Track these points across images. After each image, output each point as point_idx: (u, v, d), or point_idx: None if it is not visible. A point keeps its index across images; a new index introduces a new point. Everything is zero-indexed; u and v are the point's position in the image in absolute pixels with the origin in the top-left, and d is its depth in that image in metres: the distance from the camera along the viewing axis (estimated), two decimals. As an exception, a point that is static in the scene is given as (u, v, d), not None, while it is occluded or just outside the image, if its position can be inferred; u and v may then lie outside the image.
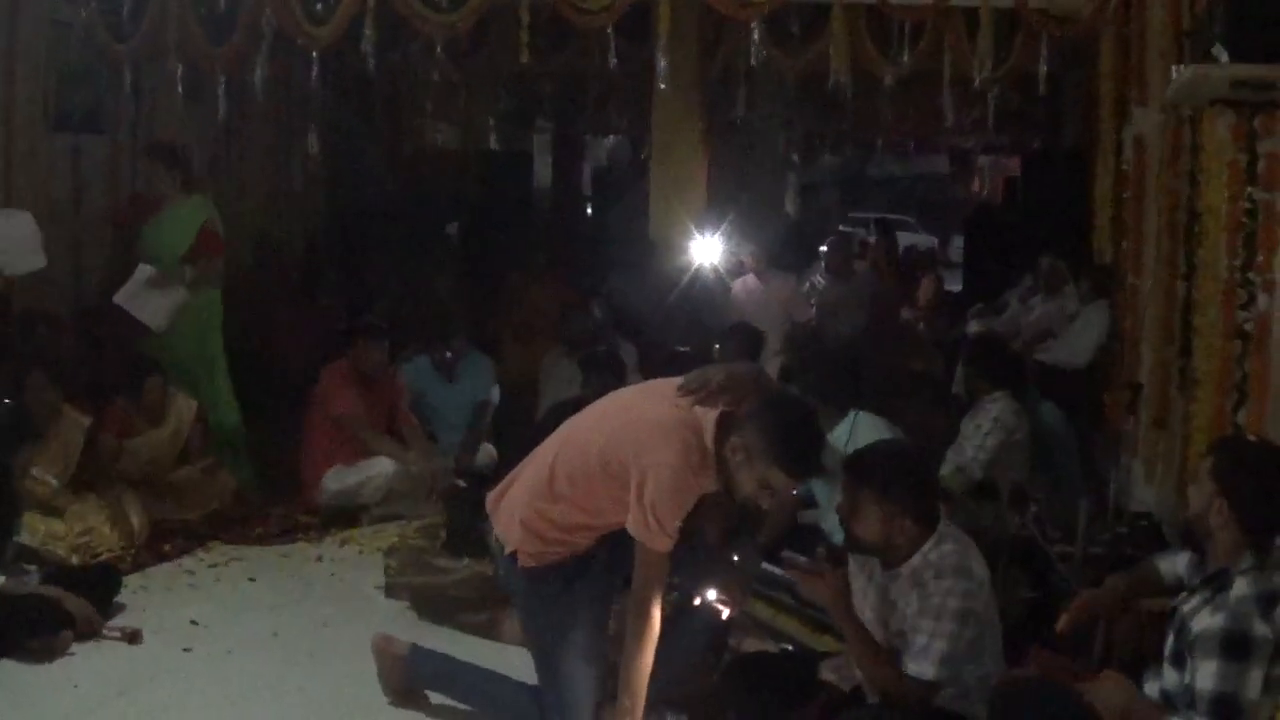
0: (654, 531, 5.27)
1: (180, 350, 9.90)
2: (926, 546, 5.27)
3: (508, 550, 5.73)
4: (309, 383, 10.01)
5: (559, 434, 5.79)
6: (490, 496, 5.96)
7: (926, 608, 5.18)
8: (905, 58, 10.60)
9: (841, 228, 22.30)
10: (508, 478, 5.94)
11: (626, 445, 5.37)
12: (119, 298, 9.69)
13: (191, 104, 10.84)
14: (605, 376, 8.52)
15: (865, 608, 5.51)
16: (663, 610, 5.46)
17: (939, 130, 20.69)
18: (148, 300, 9.70)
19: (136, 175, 10.92)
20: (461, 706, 6.21)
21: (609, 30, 9.98)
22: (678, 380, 5.59)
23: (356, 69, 9.98)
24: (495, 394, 10.68)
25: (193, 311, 9.93)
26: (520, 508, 5.68)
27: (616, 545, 5.51)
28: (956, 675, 5.18)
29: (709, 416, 5.34)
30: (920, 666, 5.16)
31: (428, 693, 6.32)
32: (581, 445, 5.59)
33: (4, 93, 9.83)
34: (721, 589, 5.89)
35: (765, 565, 7.53)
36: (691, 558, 5.78)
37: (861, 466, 5.42)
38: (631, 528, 5.33)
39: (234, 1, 9.94)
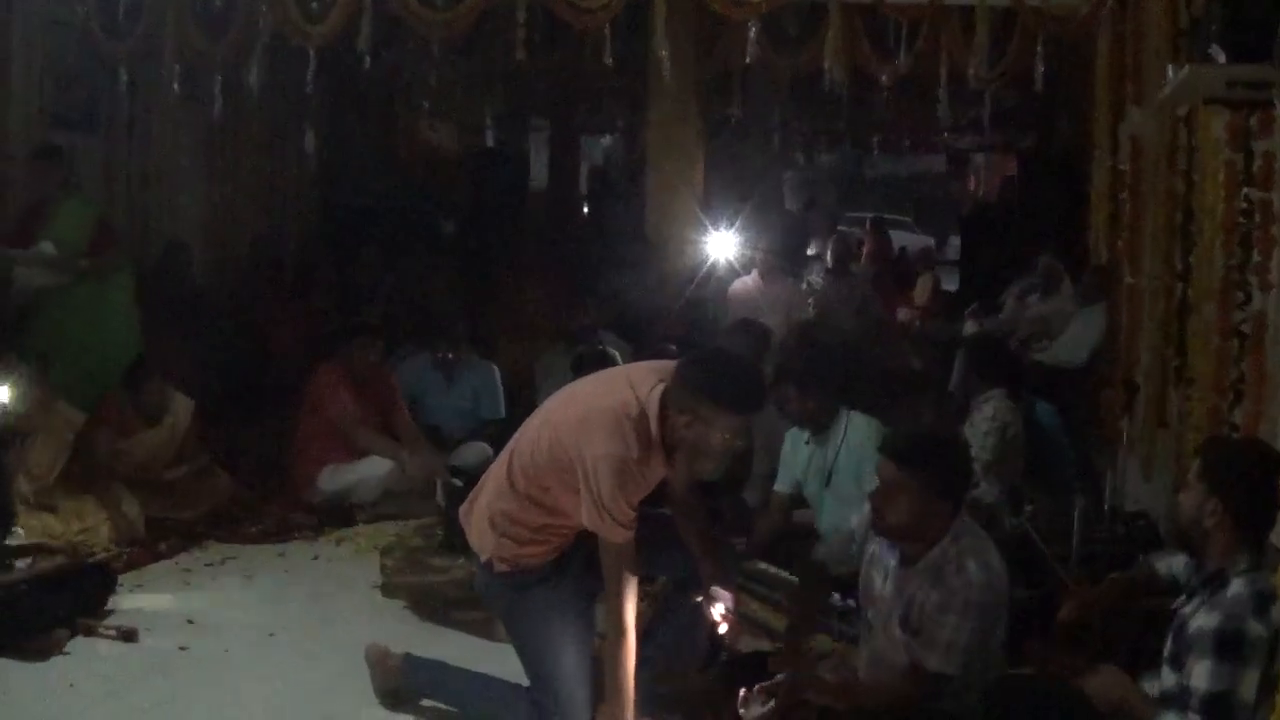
0: (607, 522, 5.26)
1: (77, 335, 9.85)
2: (945, 540, 5.30)
3: (482, 559, 5.72)
4: (303, 381, 10.00)
5: (518, 432, 5.78)
6: (462, 507, 5.96)
7: (949, 602, 5.19)
8: (901, 57, 10.61)
9: (840, 228, 22.29)
10: (477, 486, 5.93)
11: (570, 439, 5.36)
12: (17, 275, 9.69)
13: (187, 103, 10.82)
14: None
15: (882, 597, 5.53)
16: (651, 605, 5.46)
17: (935, 130, 20.71)
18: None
19: (130, 174, 10.91)
20: (456, 711, 6.19)
21: (605, 29, 9.97)
22: (626, 368, 5.61)
23: (352, 67, 9.96)
24: (503, 409, 10.65)
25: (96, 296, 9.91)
26: (488, 511, 5.68)
27: (593, 543, 5.49)
28: (971, 669, 5.20)
29: (652, 398, 5.33)
30: (941, 661, 5.18)
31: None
32: (532, 441, 5.58)
33: (0, 92, 9.84)
34: (715, 597, 5.87)
35: (761, 564, 7.56)
36: (672, 553, 5.79)
37: (902, 447, 5.44)
38: (586, 521, 5.33)
39: (230, 0, 9.94)
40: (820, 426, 7.93)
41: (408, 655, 6.34)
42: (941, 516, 5.33)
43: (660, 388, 5.32)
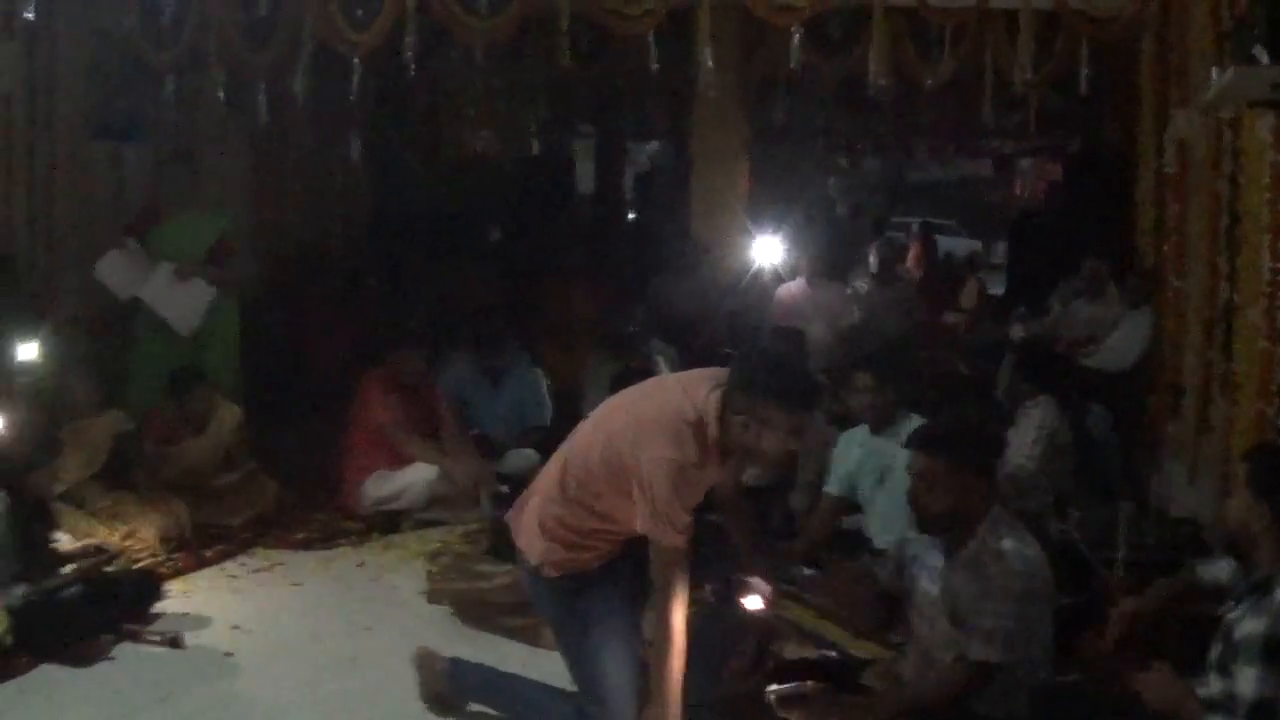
0: (662, 527, 5.23)
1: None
2: (983, 530, 5.36)
3: (531, 564, 5.74)
4: (350, 388, 10.02)
5: (569, 438, 5.79)
6: (510, 512, 5.97)
7: (989, 590, 5.27)
8: (945, 61, 10.58)
9: (887, 233, 22.24)
10: (526, 491, 5.94)
11: (625, 444, 5.36)
12: (144, 293, 9.80)
13: (233, 111, 10.88)
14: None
15: (926, 597, 5.57)
16: (698, 611, 5.45)
17: (980, 134, 20.63)
18: (172, 297, 9.82)
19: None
20: (503, 716, 6.20)
21: (649, 36, 9.98)
22: (681, 375, 5.63)
23: (397, 75, 10.00)
24: (549, 415, 10.68)
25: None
26: (537, 516, 5.69)
27: (642, 548, 5.49)
28: (1016, 658, 5.21)
29: (709, 402, 5.33)
30: (984, 650, 5.23)
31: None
32: (585, 447, 5.58)
33: (45, 101, 9.91)
34: (753, 589, 5.88)
35: (807, 570, 7.55)
36: (720, 560, 5.79)
37: (924, 436, 5.55)
38: (640, 526, 5.31)
39: (275, 8, 9.98)
40: (883, 423, 7.89)
41: (454, 659, 6.35)
42: (977, 495, 5.46)
43: (717, 392, 5.32)
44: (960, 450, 5.52)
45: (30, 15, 8.93)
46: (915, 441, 5.67)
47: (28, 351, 8.73)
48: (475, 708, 6.27)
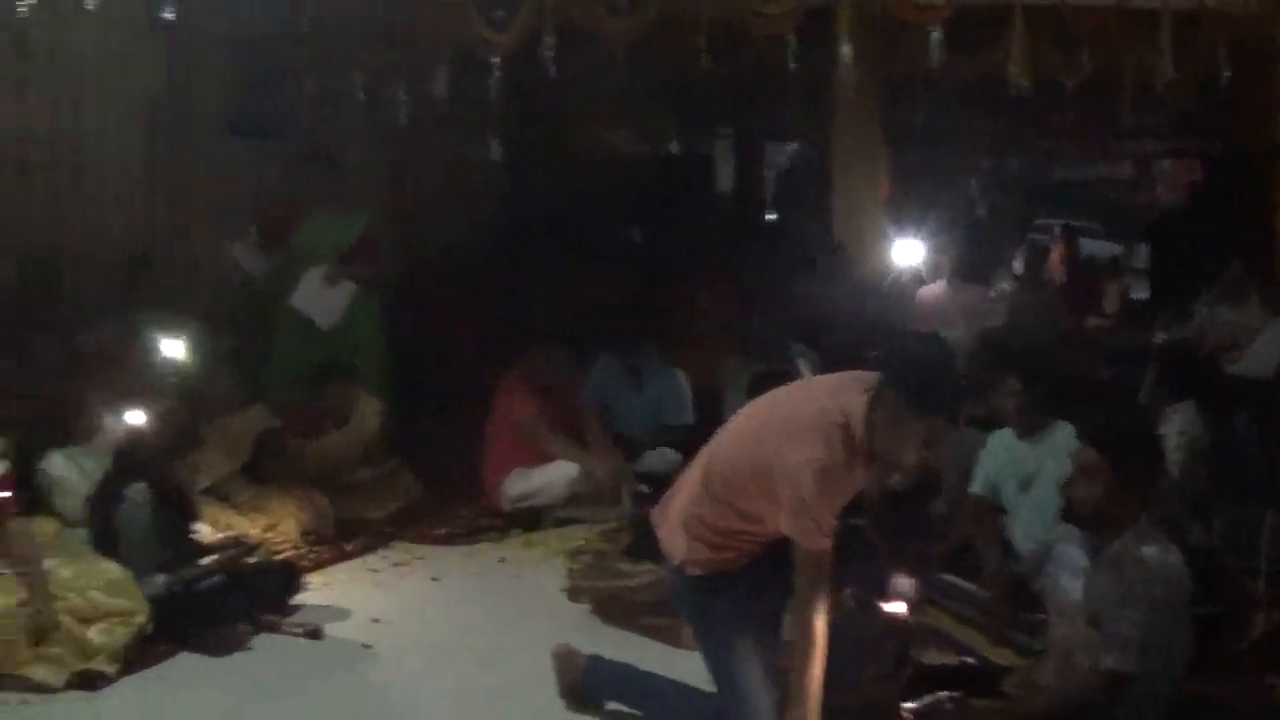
0: (808, 530, 5.21)
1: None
2: (1129, 533, 5.34)
3: (674, 562, 5.74)
4: (490, 385, 10.09)
5: (715, 438, 5.79)
6: (654, 510, 5.98)
7: (1129, 596, 5.22)
8: (1085, 61, 10.46)
9: (1030, 235, 22.03)
10: (671, 488, 5.95)
11: (771, 445, 5.34)
12: (294, 301, 9.95)
13: (371, 111, 10.98)
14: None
15: (1068, 597, 5.56)
16: (838, 615, 5.43)
17: (1120, 135, 20.38)
18: (319, 298, 9.97)
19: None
20: (639, 715, 6.20)
21: (789, 36, 9.95)
22: (828, 378, 5.61)
23: (535, 75, 10.05)
24: (690, 415, 10.67)
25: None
26: (682, 515, 5.69)
27: (785, 550, 5.46)
28: (1152, 668, 5.16)
29: (856, 405, 5.30)
30: (1119, 659, 5.19)
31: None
32: (732, 448, 5.58)
33: (185, 100, 10.08)
34: (895, 593, 5.86)
35: (949, 578, 7.49)
36: (862, 564, 5.77)
37: (1101, 433, 5.65)
38: (785, 527, 5.29)
39: (413, 10, 10.06)
40: (1031, 428, 7.78)
41: (594, 656, 6.37)
42: (1132, 504, 5.43)
43: (864, 395, 5.30)
44: (1129, 452, 5.52)
45: (170, 15, 9.04)
46: (1086, 435, 5.71)
47: (172, 349, 8.88)
48: (612, 705, 6.28)
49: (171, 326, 9.07)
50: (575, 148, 16.18)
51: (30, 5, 8.22)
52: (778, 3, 9.75)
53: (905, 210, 14.12)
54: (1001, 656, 6.66)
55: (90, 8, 8.20)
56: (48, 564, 6.97)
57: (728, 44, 10.90)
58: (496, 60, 9.89)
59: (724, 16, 9.93)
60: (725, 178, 21.36)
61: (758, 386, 8.24)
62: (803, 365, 10.16)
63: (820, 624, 5.28)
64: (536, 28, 9.57)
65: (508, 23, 9.73)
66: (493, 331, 11.98)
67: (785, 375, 8.72)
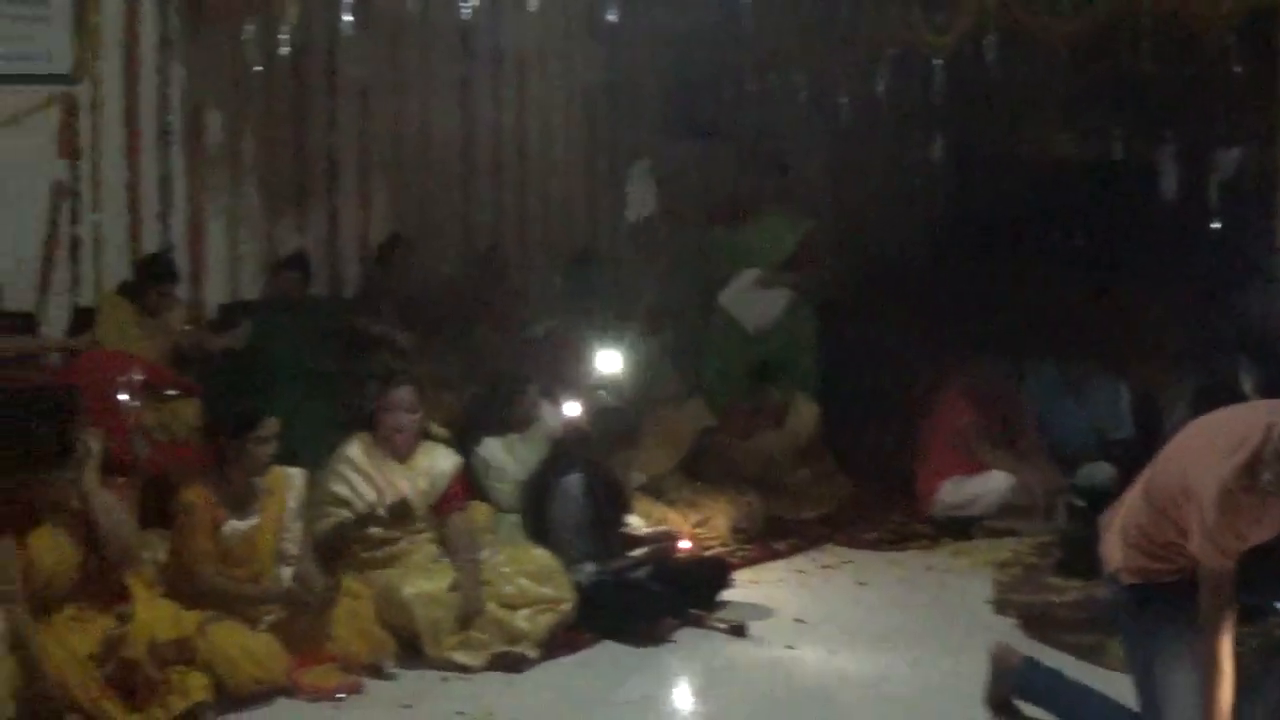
0: (1208, 549, 5.02)
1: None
2: None
3: (1110, 569, 5.57)
4: (927, 391, 9.99)
5: (1166, 446, 5.59)
6: (1103, 516, 5.82)
7: None
8: None
9: None
10: (1122, 496, 5.78)
11: (1192, 462, 5.16)
12: (723, 299, 10.04)
13: (813, 112, 11.00)
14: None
15: None
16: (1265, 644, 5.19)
17: None
18: (751, 301, 10.01)
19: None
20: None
21: (1231, 37, 9.61)
22: (1272, 402, 5.33)
23: (977, 75, 9.91)
24: (1129, 429, 10.39)
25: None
26: (1122, 522, 5.53)
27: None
28: None
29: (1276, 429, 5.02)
30: None
31: (1023, 709, 6.18)
32: (1170, 461, 5.40)
33: (626, 100, 10.29)
34: None
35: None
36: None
37: None
38: (1190, 543, 5.11)
39: (856, 11, 10.02)
40: None
41: (1030, 658, 6.25)
42: None
43: None
44: None
45: (613, 17, 9.23)
46: None
47: (616, 343, 9.06)
48: (1032, 714, 6.11)
49: (615, 320, 9.25)
50: (1017, 151, 15.92)
51: (473, 7, 8.50)
52: (1220, 3, 9.42)
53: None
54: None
55: (532, 9, 8.43)
56: (484, 554, 7.21)
57: (1173, 45, 10.60)
58: (939, 62, 9.80)
59: (1167, 18, 9.62)
60: (1169, 183, 20.71)
61: (1201, 400, 7.96)
62: (1245, 379, 9.74)
63: (1220, 647, 5.08)
64: (978, 29, 9.45)
65: (949, 23, 9.64)
66: (930, 336, 11.86)
67: (1230, 388, 8.39)
